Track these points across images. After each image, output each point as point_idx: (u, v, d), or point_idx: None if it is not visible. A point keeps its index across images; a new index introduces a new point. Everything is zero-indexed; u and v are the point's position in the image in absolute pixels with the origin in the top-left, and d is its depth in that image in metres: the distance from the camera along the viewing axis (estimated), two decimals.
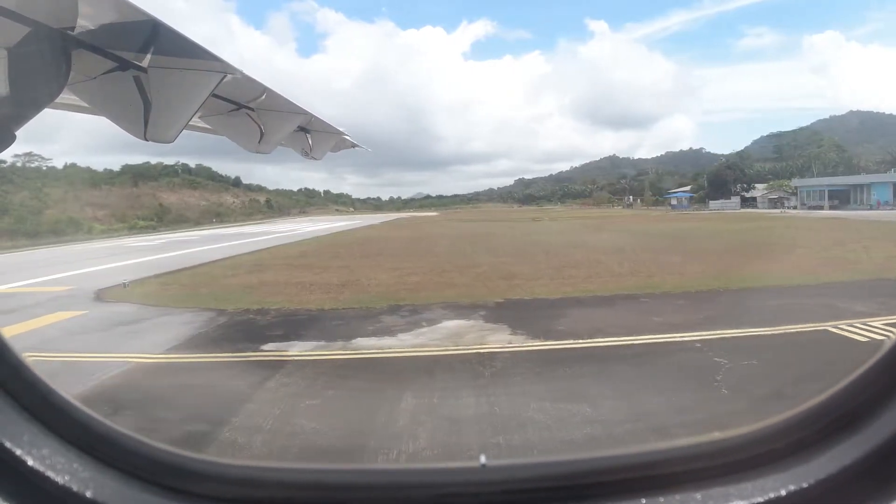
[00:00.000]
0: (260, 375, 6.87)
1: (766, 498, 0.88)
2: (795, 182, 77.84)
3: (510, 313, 10.20)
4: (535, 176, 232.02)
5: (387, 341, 8.51)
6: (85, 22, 3.16)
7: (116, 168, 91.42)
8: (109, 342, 8.95)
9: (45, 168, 71.10)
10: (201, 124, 6.34)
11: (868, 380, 0.96)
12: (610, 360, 7.14)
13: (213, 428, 5.25)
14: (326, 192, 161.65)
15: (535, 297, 11.83)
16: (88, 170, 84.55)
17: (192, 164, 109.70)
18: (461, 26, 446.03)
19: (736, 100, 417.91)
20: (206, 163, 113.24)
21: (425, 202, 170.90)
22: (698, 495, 0.89)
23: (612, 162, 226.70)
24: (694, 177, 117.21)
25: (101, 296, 13.52)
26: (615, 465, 0.99)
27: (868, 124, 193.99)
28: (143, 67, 3.89)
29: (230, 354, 8.09)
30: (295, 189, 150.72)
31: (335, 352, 8.07)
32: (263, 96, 5.58)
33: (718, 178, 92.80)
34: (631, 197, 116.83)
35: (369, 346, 8.25)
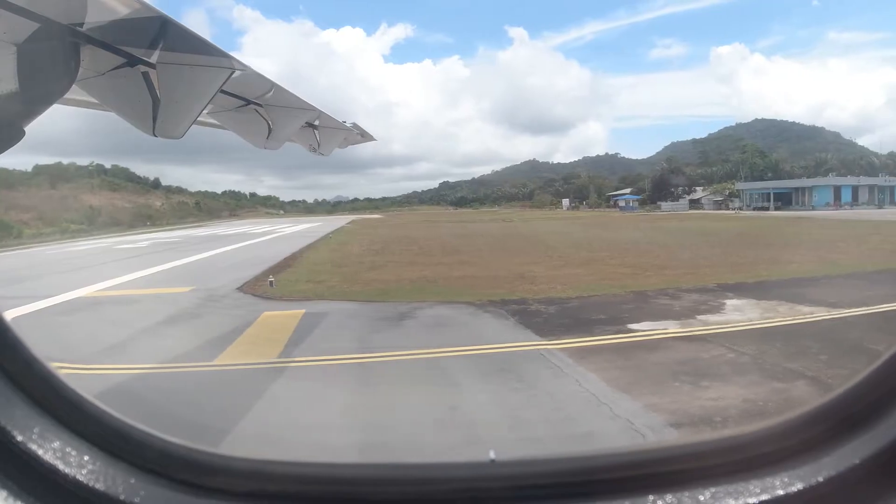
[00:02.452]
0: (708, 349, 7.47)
1: (775, 495, 0.88)
2: (739, 185, 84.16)
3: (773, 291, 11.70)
4: (457, 179, 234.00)
5: (715, 318, 9.42)
6: (94, 18, 3.18)
7: (27, 168, 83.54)
8: (461, 336, 8.75)
9: None
10: (210, 120, 6.35)
11: (877, 379, 0.95)
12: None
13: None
14: (253, 195, 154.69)
15: (761, 279, 13.27)
16: (5, 170, 77.35)
17: (106, 164, 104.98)
18: (381, 28, 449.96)
19: (647, 107, 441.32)
20: (121, 163, 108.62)
21: (357, 205, 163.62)
22: (708, 493, 0.89)
23: (532, 166, 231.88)
24: (621, 180, 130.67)
25: (263, 296, 12.67)
26: (625, 461, 0.99)
27: (771, 131, 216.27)
28: (151, 63, 3.90)
29: (618, 336, 8.42)
30: (219, 191, 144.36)
31: (709, 327, 8.80)
32: (271, 92, 5.59)
33: (662, 182, 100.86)
34: (567, 200, 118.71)
35: (716, 322, 9.12)
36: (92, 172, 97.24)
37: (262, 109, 6.01)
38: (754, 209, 70.53)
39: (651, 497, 0.90)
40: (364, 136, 8.96)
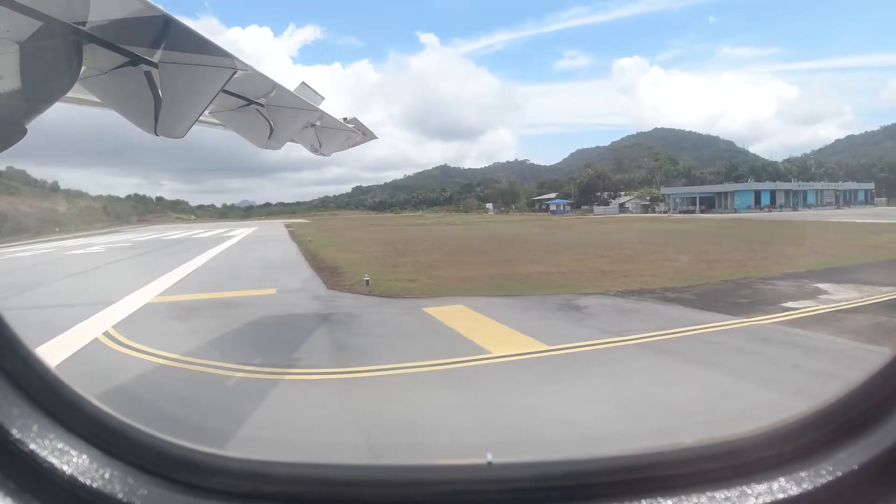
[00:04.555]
0: None
1: (773, 500, 0.88)
2: (665, 190, 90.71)
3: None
4: (370, 184, 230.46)
5: (832, 298, 10.24)
6: (97, 17, 3.18)
7: None
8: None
9: None
10: (211, 120, 6.36)
11: (878, 383, 0.95)
12: None
13: None
14: (160, 199, 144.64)
15: (808, 269, 13.87)
16: None
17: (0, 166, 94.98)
18: (289, 29, 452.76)
19: (554, 115, 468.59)
20: (16, 165, 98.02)
21: (271, 209, 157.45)
22: (705, 497, 0.89)
23: (444, 171, 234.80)
24: (539, 185, 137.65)
25: (377, 295, 12.00)
26: (622, 465, 0.99)
27: (670, 139, 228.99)
28: (154, 63, 3.91)
29: (794, 313, 9.13)
30: (121, 195, 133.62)
31: (839, 304, 9.65)
32: (273, 92, 5.60)
33: (589, 187, 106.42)
34: (491, 205, 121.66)
35: (840, 300, 10.01)
36: None
37: (264, 109, 6.02)
38: (680, 212, 74.88)
39: (648, 501, 0.90)
40: (366, 135, 8.84)
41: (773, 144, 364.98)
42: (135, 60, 3.85)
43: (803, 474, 0.90)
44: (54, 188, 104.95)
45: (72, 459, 0.91)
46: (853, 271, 13.50)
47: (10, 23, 2.83)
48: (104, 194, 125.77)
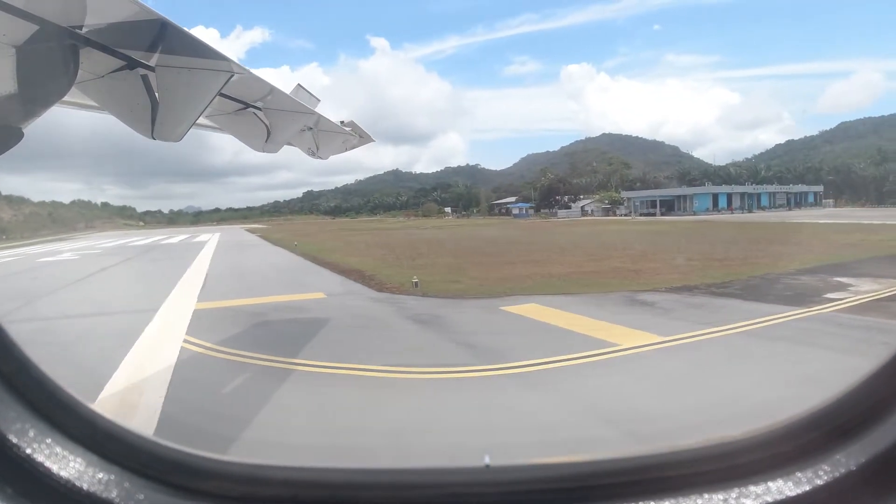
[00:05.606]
0: None
1: (773, 500, 0.88)
2: (625, 193, 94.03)
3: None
4: (320, 189, 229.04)
5: (861, 289, 10.81)
6: (93, 20, 3.18)
7: None
8: None
9: None
10: (208, 123, 6.35)
11: (875, 384, 0.96)
12: None
13: None
14: (105, 205, 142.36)
15: (818, 265, 14.47)
16: None
17: None
18: (236, 31, 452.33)
19: (504, 120, 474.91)
20: None
21: (222, 215, 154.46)
22: (703, 499, 0.89)
23: (396, 175, 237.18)
24: (495, 190, 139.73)
25: (434, 296, 11.82)
26: (620, 467, 0.99)
27: (617, 144, 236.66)
28: (150, 66, 3.90)
29: (842, 302, 9.74)
30: (65, 201, 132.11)
31: (871, 294, 10.22)
32: (270, 95, 5.59)
33: (550, 191, 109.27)
34: (449, 208, 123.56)
35: (868, 290, 10.56)
36: None
37: (261, 112, 6.01)
38: (641, 215, 77.59)
39: (647, 503, 0.90)
40: (362, 138, 8.79)
41: (715, 149, 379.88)
42: (131, 64, 3.84)
43: (801, 475, 0.90)
44: None
45: (68, 464, 0.91)
46: (855, 267, 14.05)
47: (6, 26, 2.82)
48: (47, 200, 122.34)
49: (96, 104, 4.38)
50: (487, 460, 0.95)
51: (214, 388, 6.08)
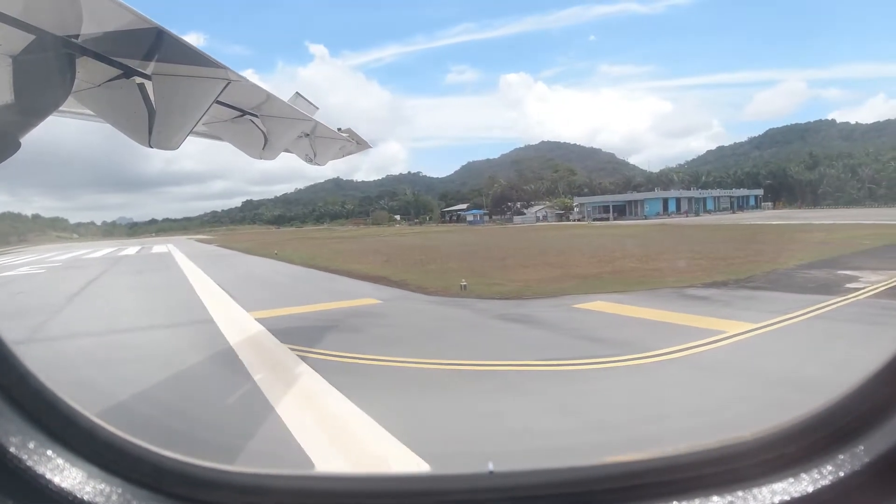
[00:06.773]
0: None
1: (777, 501, 0.88)
2: (578, 199, 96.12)
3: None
4: (260, 198, 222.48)
5: (872, 279, 11.16)
6: (89, 29, 3.18)
7: None
8: None
9: None
10: (205, 131, 6.35)
11: (877, 384, 0.95)
12: None
13: None
14: (37, 217, 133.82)
15: (813, 260, 14.81)
16: None
17: None
18: None
19: (444, 128, 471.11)
20: None
21: (161, 226, 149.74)
22: (710, 502, 0.89)
23: (337, 184, 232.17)
24: (441, 197, 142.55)
25: (489, 297, 11.52)
26: (623, 471, 0.99)
27: (556, 152, 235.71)
28: (147, 75, 3.91)
29: (870, 289, 10.14)
30: None
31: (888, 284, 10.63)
32: (267, 102, 5.60)
33: (503, 198, 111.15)
34: (399, 216, 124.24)
35: (883, 279, 11.04)
36: None
37: (258, 120, 6.02)
38: (595, 220, 79.64)
39: None
40: (360, 144, 8.79)
41: (649, 155, 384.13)
42: (128, 73, 3.84)
43: (805, 477, 0.89)
44: None
45: (69, 476, 0.90)
46: (846, 261, 14.43)
47: (2, 36, 2.82)
48: None
49: (93, 113, 4.38)
50: (491, 467, 0.94)
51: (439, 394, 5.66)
